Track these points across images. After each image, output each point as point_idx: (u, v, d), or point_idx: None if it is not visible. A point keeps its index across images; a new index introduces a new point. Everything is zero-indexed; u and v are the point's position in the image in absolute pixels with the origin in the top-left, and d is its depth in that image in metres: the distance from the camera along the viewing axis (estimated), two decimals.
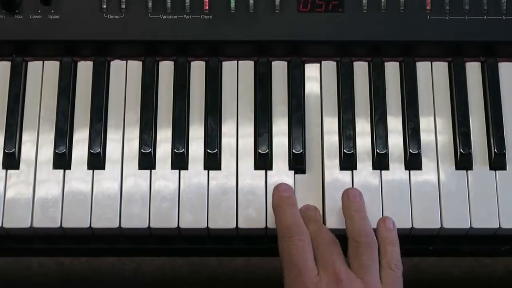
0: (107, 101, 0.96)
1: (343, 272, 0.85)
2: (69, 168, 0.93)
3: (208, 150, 0.93)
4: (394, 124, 0.95)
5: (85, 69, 0.97)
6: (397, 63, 0.98)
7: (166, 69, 0.97)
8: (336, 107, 0.96)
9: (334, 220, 0.91)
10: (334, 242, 0.88)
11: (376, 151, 0.93)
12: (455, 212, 0.91)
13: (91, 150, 0.93)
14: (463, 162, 0.93)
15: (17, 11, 0.95)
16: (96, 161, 0.93)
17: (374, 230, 0.89)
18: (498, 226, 0.91)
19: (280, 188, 0.91)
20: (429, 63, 0.98)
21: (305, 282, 0.85)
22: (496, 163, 0.93)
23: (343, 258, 0.87)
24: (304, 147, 0.93)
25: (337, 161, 0.93)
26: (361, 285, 0.85)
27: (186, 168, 0.93)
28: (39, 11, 0.95)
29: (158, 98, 0.96)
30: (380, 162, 0.93)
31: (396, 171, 0.93)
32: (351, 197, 0.90)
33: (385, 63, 0.97)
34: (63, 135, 0.93)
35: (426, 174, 0.93)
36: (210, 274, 1.36)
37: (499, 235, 0.92)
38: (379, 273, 0.87)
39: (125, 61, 0.97)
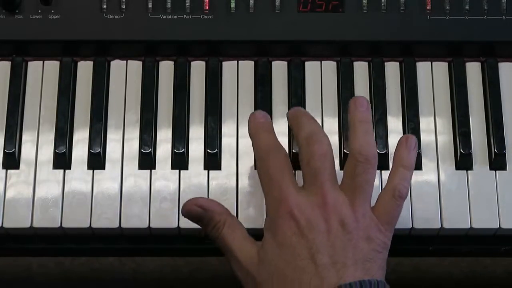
0: (107, 101, 0.96)
1: (331, 194, 0.80)
2: (69, 168, 0.93)
3: (208, 150, 0.93)
4: (394, 124, 0.95)
5: (85, 69, 0.97)
6: (397, 63, 0.98)
7: (166, 69, 0.97)
8: (336, 107, 0.96)
9: None
10: (328, 154, 0.83)
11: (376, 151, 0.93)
12: (455, 212, 0.91)
13: (91, 150, 0.93)
14: (463, 162, 0.93)
15: (17, 11, 0.95)
16: (96, 161, 0.93)
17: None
18: (498, 226, 0.91)
19: (256, 115, 0.88)
20: (429, 63, 0.98)
21: (287, 200, 0.81)
22: (496, 163, 0.93)
23: (334, 174, 0.82)
24: None
25: (337, 161, 0.93)
26: (348, 210, 0.80)
27: (186, 168, 0.93)
28: (39, 11, 0.95)
29: (158, 98, 0.96)
30: (380, 162, 0.93)
31: None
32: (358, 105, 0.86)
33: (385, 63, 0.98)
34: (63, 135, 0.93)
35: (426, 174, 0.93)
36: (210, 274, 1.36)
37: (499, 235, 0.92)
38: (370, 196, 0.83)
39: (125, 61, 0.97)
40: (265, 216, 0.91)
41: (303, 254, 0.79)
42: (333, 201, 0.81)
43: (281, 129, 0.94)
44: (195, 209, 0.86)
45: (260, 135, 0.87)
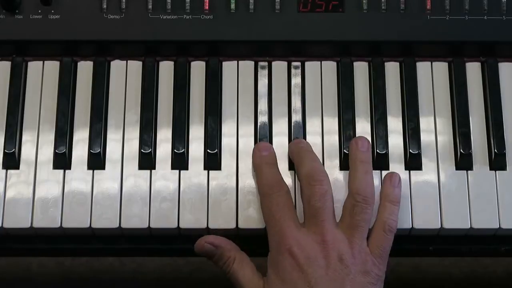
0: (107, 101, 0.96)
1: (330, 232, 0.85)
2: (69, 168, 0.93)
3: (208, 150, 0.93)
4: (394, 124, 0.95)
5: (85, 69, 0.97)
6: (397, 63, 0.98)
7: (166, 69, 0.97)
8: (336, 107, 0.96)
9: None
10: (327, 194, 0.87)
11: (376, 151, 0.93)
12: (455, 212, 0.91)
13: (91, 150, 0.93)
14: (463, 162, 0.93)
15: (17, 11, 0.95)
16: (96, 161, 0.93)
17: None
18: (498, 226, 0.91)
19: (260, 147, 0.92)
20: (429, 63, 0.98)
21: (287, 238, 0.85)
22: (496, 163, 0.93)
23: (333, 212, 0.87)
24: None
25: (337, 161, 0.93)
26: (346, 247, 0.85)
27: (186, 168, 0.93)
28: (39, 11, 0.95)
29: (158, 98, 0.96)
30: (380, 162, 0.93)
31: (396, 171, 0.93)
32: (359, 146, 0.91)
33: (385, 63, 0.97)
34: (63, 135, 0.93)
35: (426, 174, 0.93)
36: (210, 274, 1.36)
37: (499, 235, 0.92)
38: (366, 233, 0.87)
39: (125, 61, 0.97)
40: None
41: None
42: (332, 238, 0.85)
43: (281, 129, 0.95)
44: (207, 246, 0.90)
45: (263, 170, 0.91)
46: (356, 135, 0.94)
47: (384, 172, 0.93)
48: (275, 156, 0.92)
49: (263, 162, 0.91)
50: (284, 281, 0.85)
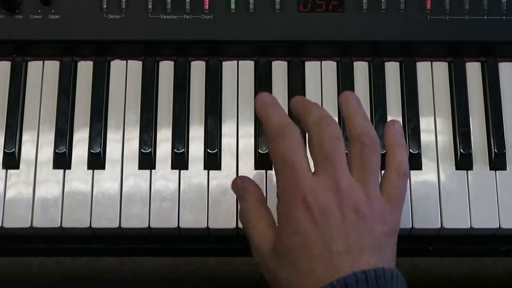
0: (107, 101, 0.96)
1: (344, 179, 0.79)
2: (69, 168, 0.93)
3: (208, 150, 0.93)
4: None
5: (85, 69, 0.97)
6: (397, 63, 0.98)
7: (166, 69, 0.97)
8: (336, 107, 0.96)
9: None
10: (339, 138, 0.81)
11: None
12: (455, 212, 0.91)
13: (91, 150, 0.93)
14: (463, 162, 0.93)
15: (17, 11, 0.95)
16: (96, 161, 0.93)
17: None
18: (498, 226, 0.91)
19: (262, 95, 0.86)
20: (429, 63, 0.98)
21: (301, 185, 0.78)
22: (496, 163, 0.93)
23: (345, 159, 0.81)
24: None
25: None
26: (362, 195, 0.79)
27: (186, 168, 0.93)
28: (39, 11, 0.95)
29: (158, 98, 0.96)
30: (380, 162, 0.93)
31: None
32: (349, 99, 0.85)
33: (385, 63, 0.98)
34: (63, 135, 0.93)
35: (426, 174, 0.93)
36: (210, 274, 1.36)
37: (499, 235, 0.92)
38: (380, 180, 0.82)
39: (125, 61, 0.97)
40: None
41: (317, 242, 0.77)
42: (347, 186, 0.79)
43: None
44: (237, 183, 0.86)
45: (270, 112, 0.84)
46: None
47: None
48: (278, 102, 0.86)
49: (267, 105, 0.85)
50: (296, 233, 0.78)
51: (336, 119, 0.94)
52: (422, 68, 0.97)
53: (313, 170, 0.81)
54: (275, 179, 0.92)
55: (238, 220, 0.91)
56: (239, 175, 0.93)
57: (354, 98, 0.86)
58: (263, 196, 0.85)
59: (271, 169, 0.93)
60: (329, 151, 0.80)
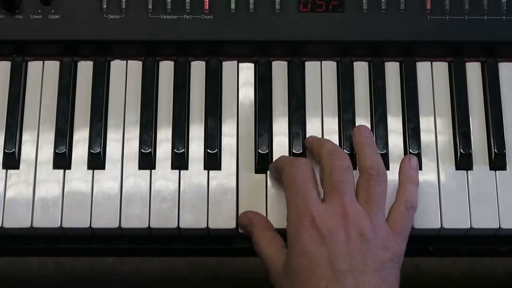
0: (107, 101, 0.96)
1: (351, 206, 0.84)
2: (69, 168, 0.93)
3: (208, 150, 0.93)
4: (394, 124, 0.95)
5: (85, 69, 0.97)
6: (397, 63, 0.98)
7: (166, 69, 0.97)
8: (336, 107, 0.96)
9: None
10: (349, 169, 0.87)
11: None
12: (455, 212, 0.91)
13: (91, 150, 0.93)
14: (463, 162, 0.93)
15: (17, 11, 0.95)
16: (96, 161, 0.93)
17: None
18: (498, 226, 0.91)
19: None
20: (429, 63, 0.98)
21: (309, 209, 0.84)
22: (496, 163, 0.93)
23: (354, 189, 0.86)
24: (304, 147, 0.93)
25: None
26: (367, 221, 0.84)
27: (186, 168, 0.93)
28: (39, 11, 0.95)
29: (158, 98, 0.96)
30: None
31: (396, 171, 0.92)
32: (362, 131, 0.91)
33: (385, 63, 0.98)
34: (63, 135, 0.93)
35: (426, 174, 0.93)
36: (210, 274, 1.36)
37: (499, 235, 0.92)
38: (389, 209, 0.87)
39: (125, 61, 0.97)
40: (265, 215, 0.91)
41: (322, 262, 0.82)
42: (353, 212, 0.84)
43: (281, 129, 0.94)
44: (243, 219, 0.90)
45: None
46: None
47: None
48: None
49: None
50: (303, 254, 0.83)
51: (336, 119, 0.95)
52: (422, 68, 0.97)
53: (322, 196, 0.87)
54: (274, 180, 0.92)
55: (238, 220, 0.91)
56: (239, 176, 0.93)
57: (367, 131, 0.92)
58: (269, 223, 0.90)
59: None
60: (338, 181, 0.86)
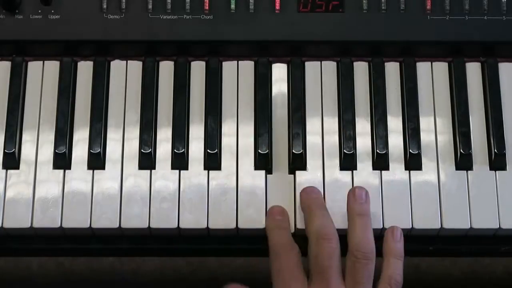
0: (107, 101, 0.96)
1: None
2: (69, 168, 0.93)
3: (208, 150, 0.93)
4: (394, 124, 0.95)
5: (85, 69, 0.97)
6: (397, 63, 0.98)
7: (166, 69, 0.97)
8: (336, 107, 0.96)
9: (335, 221, 0.90)
10: (335, 253, 0.87)
11: (376, 151, 0.93)
12: (455, 212, 0.91)
13: (91, 150, 0.93)
14: (463, 162, 0.93)
15: (17, 11, 0.95)
16: (96, 161, 0.93)
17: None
18: (498, 226, 0.91)
19: (274, 211, 0.91)
20: (429, 63, 0.98)
21: None
22: (496, 163, 0.93)
23: (340, 271, 0.87)
24: (304, 147, 0.93)
25: (337, 161, 0.93)
26: None
27: (186, 168, 0.93)
28: (39, 11, 0.95)
29: (158, 98, 0.96)
30: (380, 162, 0.93)
31: (396, 171, 0.93)
32: (357, 197, 0.90)
33: (385, 63, 0.97)
34: (63, 135, 0.93)
35: (426, 174, 0.93)
36: (210, 274, 1.36)
37: (499, 235, 0.92)
38: (375, 285, 0.87)
39: (125, 61, 0.97)
40: (264, 216, 0.91)
41: None
42: None
43: (281, 129, 0.94)
44: None
45: (275, 232, 0.90)
46: (356, 135, 0.94)
47: (384, 172, 0.93)
48: (288, 220, 0.91)
49: (276, 225, 0.90)
50: None
51: (336, 119, 0.95)
52: (422, 68, 0.97)
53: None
54: (274, 179, 0.92)
55: (238, 220, 0.91)
56: (238, 177, 0.93)
57: (362, 197, 0.90)
58: None
59: (271, 169, 0.93)
60: (323, 266, 0.86)
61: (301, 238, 0.89)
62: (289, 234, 0.90)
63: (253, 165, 0.93)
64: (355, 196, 0.89)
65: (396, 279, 0.87)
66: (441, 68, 0.98)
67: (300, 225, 0.90)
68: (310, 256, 0.88)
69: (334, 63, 0.98)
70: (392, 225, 0.90)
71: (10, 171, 0.93)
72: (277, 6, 0.96)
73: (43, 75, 0.97)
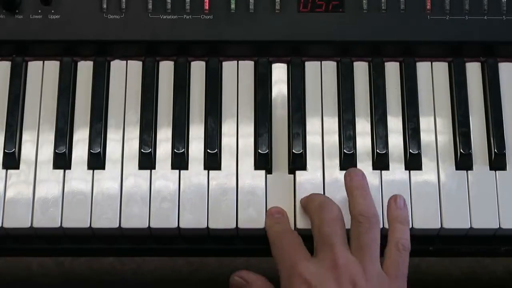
0: (107, 101, 0.96)
1: (341, 256, 0.84)
2: (69, 168, 0.93)
3: (208, 150, 0.93)
4: (394, 124, 0.95)
5: (85, 69, 0.97)
6: (397, 63, 0.98)
7: (166, 69, 0.97)
8: (336, 107, 0.96)
9: None
10: (337, 219, 0.87)
11: (376, 151, 0.93)
12: (455, 212, 0.91)
13: (91, 150, 0.93)
14: (463, 162, 0.93)
15: (17, 11, 0.95)
16: (96, 161, 0.93)
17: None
18: (498, 226, 0.91)
19: (272, 211, 0.91)
20: (429, 63, 0.98)
21: (299, 267, 0.84)
22: (496, 163, 0.93)
23: (344, 238, 0.86)
24: (304, 147, 0.93)
25: (337, 161, 0.93)
26: (359, 269, 0.83)
27: (186, 168, 0.93)
28: (39, 11, 0.96)
29: (158, 98, 0.96)
30: (380, 162, 0.93)
31: (396, 171, 0.93)
32: (353, 175, 0.90)
33: (385, 63, 0.98)
34: (63, 135, 0.93)
35: (426, 174, 0.93)
36: (210, 274, 1.36)
37: (499, 235, 0.92)
38: (379, 252, 0.86)
39: (125, 61, 0.97)
40: (264, 216, 0.91)
41: None
42: (344, 262, 0.84)
43: (281, 129, 0.95)
44: (237, 280, 0.90)
45: (275, 226, 0.90)
46: (356, 135, 0.94)
47: (384, 172, 0.93)
48: (288, 219, 0.91)
49: (275, 222, 0.90)
50: None
51: (336, 119, 0.95)
52: (422, 68, 0.97)
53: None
54: (274, 179, 0.92)
55: (238, 220, 0.91)
56: (238, 177, 0.93)
57: (358, 173, 0.90)
58: (265, 280, 0.90)
59: (271, 169, 0.93)
60: (327, 232, 0.86)
61: (301, 238, 0.89)
62: (288, 225, 0.90)
63: (253, 165, 0.93)
64: (351, 174, 0.90)
65: (403, 244, 0.86)
66: (441, 68, 0.98)
67: (300, 225, 0.90)
68: (313, 229, 0.87)
69: (334, 63, 0.98)
70: (394, 194, 0.90)
71: (10, 171, 0.93)
72: (277, 6, 0.96)
73: (43, 75, 0.97)
